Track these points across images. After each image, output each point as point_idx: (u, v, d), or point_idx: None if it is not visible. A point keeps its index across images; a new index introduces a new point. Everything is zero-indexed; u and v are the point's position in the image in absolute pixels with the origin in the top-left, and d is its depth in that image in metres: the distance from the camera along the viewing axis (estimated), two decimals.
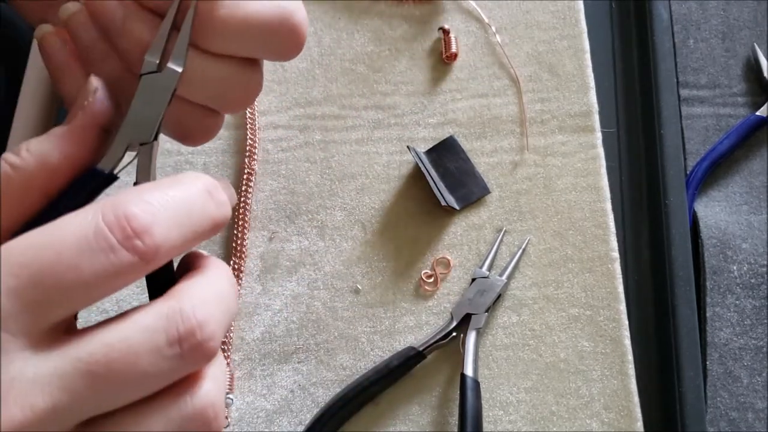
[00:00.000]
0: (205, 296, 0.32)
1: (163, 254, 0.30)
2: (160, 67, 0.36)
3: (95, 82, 0.36)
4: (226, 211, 0.35)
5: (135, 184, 0.36)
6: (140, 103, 0.36)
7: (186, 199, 0.32)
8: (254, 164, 0.60)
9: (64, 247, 0.28)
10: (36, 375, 0.27)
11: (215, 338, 0.31)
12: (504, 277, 0.56)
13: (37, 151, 0.34)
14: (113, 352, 0.28)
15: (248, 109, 0.61)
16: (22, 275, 0.27)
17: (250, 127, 0.61)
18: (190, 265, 0.35)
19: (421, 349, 0.54)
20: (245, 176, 0.59)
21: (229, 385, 0.54)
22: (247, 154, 0.60)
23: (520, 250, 0.57)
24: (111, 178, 0.35)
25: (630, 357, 0.54)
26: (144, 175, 0.36)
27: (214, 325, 0.31)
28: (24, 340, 0.28)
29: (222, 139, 0.61)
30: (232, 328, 0.56)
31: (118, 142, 0.35)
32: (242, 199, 0.59)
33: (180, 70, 0.36)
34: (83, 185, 0.35)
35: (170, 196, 0.31)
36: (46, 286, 0.28)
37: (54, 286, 0.28)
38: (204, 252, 0.37)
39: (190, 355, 0.30)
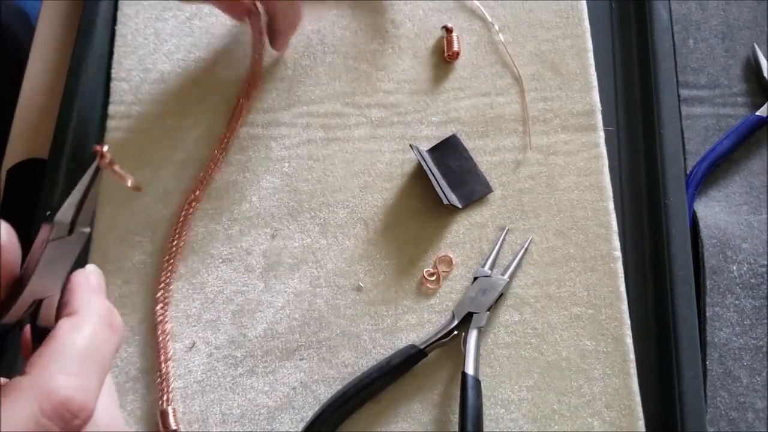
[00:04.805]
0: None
1: (92, 411, 0.34)
2: (71, 231, 0.37)
3: (1, 235, 0.36)
4: (121, 334, 0.39)
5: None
6: (47, 264, 0.37)
7: (94, 344, 0.36)
8: (223, 155, 0.61)
9: None
10: None
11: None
12: (506, 276, 0.56)
13: None
14: None
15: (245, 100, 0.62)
16: None
17: (232, 119, 0.62)
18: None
19: (422, 347, 0.53)
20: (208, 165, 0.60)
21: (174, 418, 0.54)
22: (222, 146, 0.61)
23: (523, 249, 0.57)
24: (14, 327, 0.37)
25: (632, 356, 0.54)
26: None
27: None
28: None
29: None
30: (169, 362, 0.55)
31: (23, 300, 0.37)
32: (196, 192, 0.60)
33: (89, 230, 0.38)
34: None
35: (82, 348, 0.35)
36: None
37: None
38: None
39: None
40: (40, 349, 0.35)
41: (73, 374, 0.34)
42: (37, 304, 0.38)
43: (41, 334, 0.37)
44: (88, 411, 0.34)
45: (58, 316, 0.38)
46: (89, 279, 0.40)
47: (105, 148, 0.36)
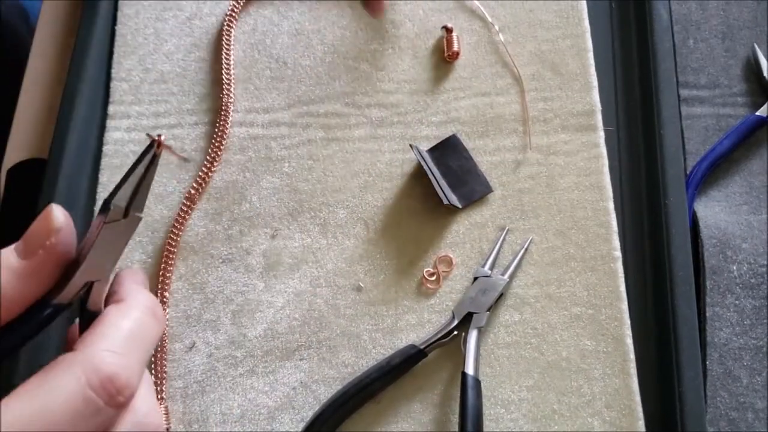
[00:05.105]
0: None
1: (134, 391, 0.36)
2: (126, 214, 0.38)
3: (60, 217, 0.37)
4: (164, 325, 0.41)
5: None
6: (102, 246, 0.38)
7: (139, 329, 0.38)
8: (221, 153, 0.61)
9: (58, 418, 0.32)
10: None
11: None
12: (506, 276, 0.56)
13: None
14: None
15: (224, 102, 0.62)
16: None
17: (221, 120, 0.61)
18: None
19: (422, 347, 0.53)
20: (206, 164, 0.60)
21: (166, 416, 0.54)
22: (216, 144, 0.61)
23: (523, 249, 0.57)
24: (66, 307, 0.38)
25: (632, 356, 0.54)
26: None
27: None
28: None
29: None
30: (164, 363, 0.55)
31: (76, 281, 0.38)
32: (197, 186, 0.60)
33: (142, 216, 0.39)
34: (39, 314, 0.37)
35: (128, 331, 0.37)
36: None
37: None
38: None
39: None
40: (88, 330, 0.37)
41: (119, 353, 0.35)
42: (89, 287, 0.39)
43: (90, 318, 0.38)
44: (131, 389, 0.35)
45: (107, 303, 0.40)
46: (135, 275, 0.42)
47: (162, 137, 0.37)
